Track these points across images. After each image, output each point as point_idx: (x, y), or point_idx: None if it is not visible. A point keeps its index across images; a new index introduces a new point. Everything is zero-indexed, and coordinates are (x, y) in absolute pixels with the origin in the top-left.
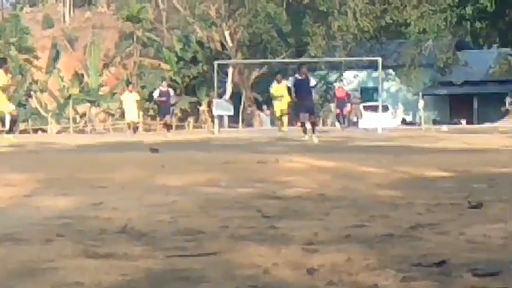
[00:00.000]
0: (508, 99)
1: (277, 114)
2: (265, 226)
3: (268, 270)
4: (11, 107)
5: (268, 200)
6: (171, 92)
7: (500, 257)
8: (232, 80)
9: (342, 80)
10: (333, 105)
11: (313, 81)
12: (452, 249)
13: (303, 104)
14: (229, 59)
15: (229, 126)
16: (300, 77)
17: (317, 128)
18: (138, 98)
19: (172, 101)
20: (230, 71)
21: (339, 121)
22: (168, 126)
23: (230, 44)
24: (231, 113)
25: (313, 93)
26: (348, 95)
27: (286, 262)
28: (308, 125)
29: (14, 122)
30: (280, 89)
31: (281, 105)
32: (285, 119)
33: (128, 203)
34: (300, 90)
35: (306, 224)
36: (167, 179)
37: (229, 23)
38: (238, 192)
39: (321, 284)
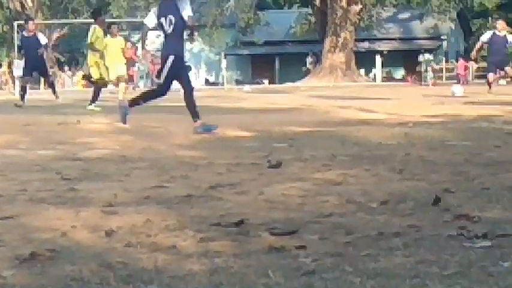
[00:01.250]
0: (308, 59)
1: (111, 77)
2: (65, 188)
3: (66, 233)
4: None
5: (69, 162)
6: None
7: (298, 216)
8: None
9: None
10: None
11: (43, 39)
12: (251, 209)
13: (33, 65)
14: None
15: (30, 88)
16: (26, 35)
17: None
18: None
19: None
20: None
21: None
22: None
23: (30, 4)
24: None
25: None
26: (136, 55)
27: (85, 224)
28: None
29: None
30: (113, 44)
31: (117, 68)
32: (122, 85)
33: None
34: (28, 49)
35: (106, 185)
36: None
37: None
38: (38, 155)
39: (119, 245)
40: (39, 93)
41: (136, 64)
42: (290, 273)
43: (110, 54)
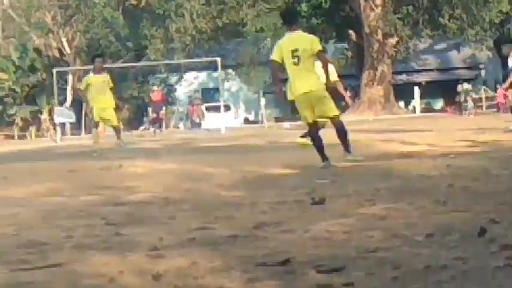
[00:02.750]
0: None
1: (96, 118)
2: (110, 234)
3: (114, 278)
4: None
5: (113, 206)
6: None
7: (343, 252)
8: (72, 87)
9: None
10: (150, 109)
11: None
12: (297, 247)
13: None
14: (68, 65)
15: (71, 134)
16: None
17: None
18: None
19: None
20: (70, 78)
21: (154, 125)
22: None
23: (68, 50)
24: (73, 120)
25: None
26: (163, 98)
27: (132, 269)
28: None
29: None
30: (96, 82)
31: (103, 105)
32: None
33: None
34: None
35: (151, 229)
36: (9, 191)
37: (66, 30)
38: (82, 201)
39: None
40: (81, 139)
41: (163, 107)
42: None
43: (95, 94)
